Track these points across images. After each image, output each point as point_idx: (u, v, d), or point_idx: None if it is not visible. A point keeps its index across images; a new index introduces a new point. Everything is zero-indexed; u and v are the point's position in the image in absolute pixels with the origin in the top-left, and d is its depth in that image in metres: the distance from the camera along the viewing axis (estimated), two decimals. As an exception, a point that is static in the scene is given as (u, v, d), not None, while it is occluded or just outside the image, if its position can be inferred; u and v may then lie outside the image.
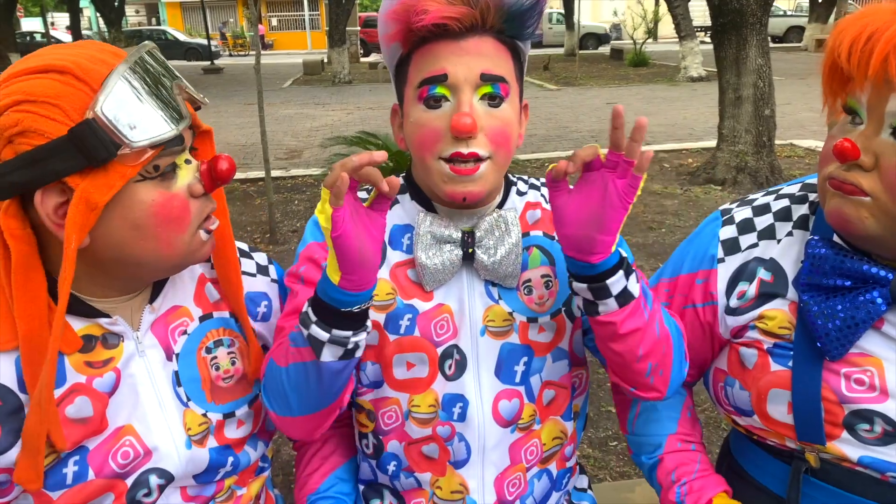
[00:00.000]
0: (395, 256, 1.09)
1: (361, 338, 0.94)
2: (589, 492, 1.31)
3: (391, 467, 1.15)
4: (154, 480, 0.95)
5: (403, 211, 1.12)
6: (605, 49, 27.53)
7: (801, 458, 1.01)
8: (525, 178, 1.20)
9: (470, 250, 1.05)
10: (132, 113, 0.80)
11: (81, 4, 19.26)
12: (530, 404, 1.11)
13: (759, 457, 1.10)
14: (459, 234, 1.05)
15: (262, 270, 1.14)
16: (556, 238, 1.08)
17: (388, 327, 1.08)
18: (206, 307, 1.05)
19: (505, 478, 1.12)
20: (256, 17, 5.99)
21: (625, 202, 0.89)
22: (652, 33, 21.95)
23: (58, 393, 0.88)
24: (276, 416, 1.02)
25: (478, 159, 0.97)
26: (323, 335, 0.92)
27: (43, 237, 0.87)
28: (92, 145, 0.79)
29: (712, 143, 7.30)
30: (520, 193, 1.15)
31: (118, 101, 0.80)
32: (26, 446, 0.83)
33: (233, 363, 1.05)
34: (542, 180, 1.17)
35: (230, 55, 33.41)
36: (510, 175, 1.16)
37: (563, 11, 26.33)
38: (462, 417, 1.09)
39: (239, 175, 7.42)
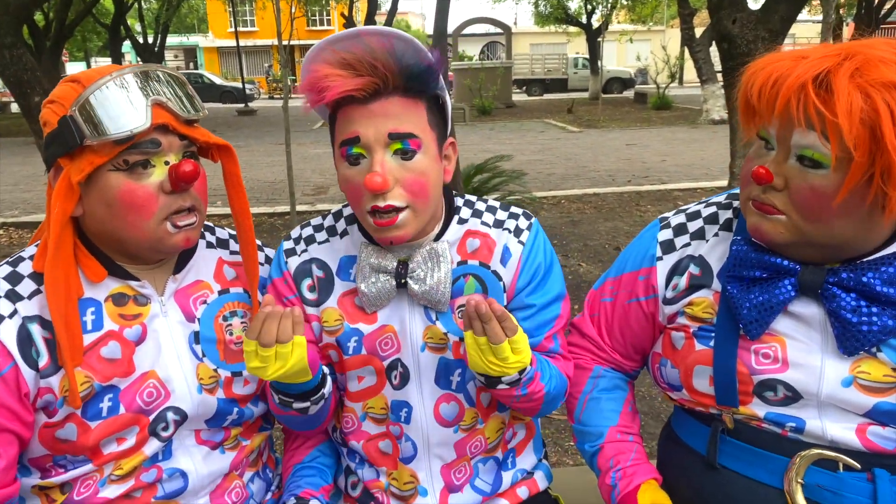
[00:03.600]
0: (341, 286, 1.24)
1: (320, 395, 1.18)
2: (544, 461, 1.44)
3: (356, 459, 1.34)
4: (171, 416, 1.15)
5: (351, 242, 1.26)
6: (629, 93, 27.80)
7: (720, 419, 1.16)
8: (474, 200, 1.29)
9: (403, 280, 1.18)
10: (98, 114, 1.02)
11: (123, 50, 20.10)
12: (471, 408, 1.27)
13: (688, 423, 1.24)
14: (394, 265, 1.18)
15: (269, 261, 1.35)
16: (490, 268, 1.23)
17: (342, 348, 1.24)
18: (224, 284, 1.25)
19: (451, 468, 1.29)
20: (285, 60, 6.35)
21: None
22: (676, 77, 22.19)
23: (95, 336, 1.10)
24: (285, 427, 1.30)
25: (395, 209, 1.10)
26: (288, 401, 1.17)
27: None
28: (66, 135, 1.03)
29: (725, 183, 7.45)
30: (461, 222, 1.25)
31: (91, 104, 1.02)
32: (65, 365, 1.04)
33: (244, 331, 1.24)
34: (490, 203, 1.30)
35: (270, 97, 34.42)
36: (458, 199, 1.28)
37: (588, 56, 26.76)
38: (408, 420, 1.26)
39: (267, 209, 7.75)
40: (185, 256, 1.22)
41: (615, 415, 1.31)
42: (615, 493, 1.22)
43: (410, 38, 1.06)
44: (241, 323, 1.26)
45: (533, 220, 1.30)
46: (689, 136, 13.66)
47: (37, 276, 1.09)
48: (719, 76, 15.88)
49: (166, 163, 1.09)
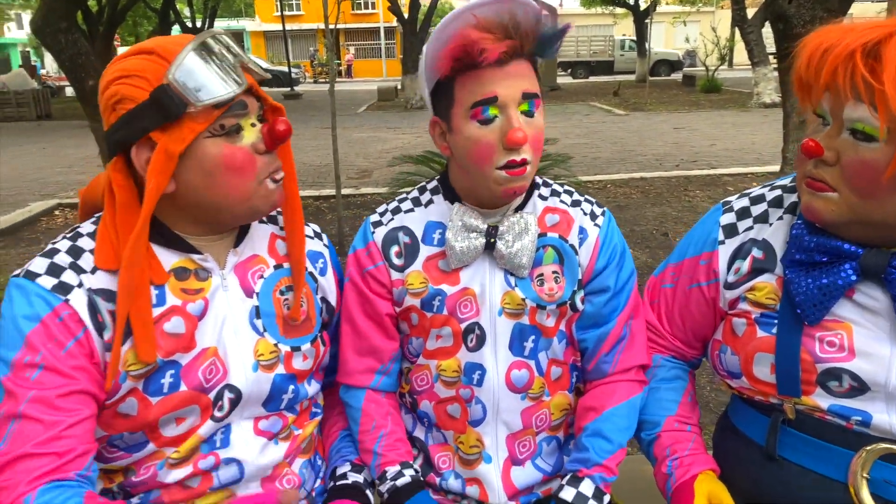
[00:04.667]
0: (426, 251, 1.29)
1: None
2: None
3: (425, 424, 1.37)
4: (226, 395, 1.16)
5: (436, 210, 1.32)
6: (677, 76, 27.25)
7: (780, 410, 1.14)
8: (550, 181, 1.36)
9: (492, 240, 1.24)
10: (197, 79, 1.02)
11: (172, 34, 20.41)
12: (539, 377, 1.30)
13: (747, 413, 1.22)
14: (485, 226, 1.24)
15: (318, 236, 1.37)
16: (569, 242, 1.29)
17: (424, 308, 1.29)
18: (278, 259, 1.25)
19: (516, 438, 1.31)
20: (332, 44, 6.38)
21: None
22: (726, 59, 21.65)
23: (158, 311, 1.09)
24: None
25: (526, 162, 1.16)
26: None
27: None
28: (167, 104, 1.01)
29: (777, 168, 7.26)
30: (542, 198, 1.32)
31: (186, 71, 1.02)
32: (120, 327, 1.04)
33: (300, 306, 1.25)
34: (567, 187, 1.36)
35: (315, 82, 34.71)
36: (537, 178, 1.33)
37: (635, 38, 26.28)
38: (480, 383, 1.28)
39: (312, 192, 7.82)
40: (242, 230, 1.23)
41: (674, 405, 1.31)
42: (671, 482, 1.22)
43: (546, 4, 1.13)
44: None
45: (606, 209, 1.35)
46: (740, 119, 13.34)
47: None
48: (771, 58, 15.53)
49: (252, 124, 1.11)
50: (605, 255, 1.29)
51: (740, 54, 24.52)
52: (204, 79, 1.03)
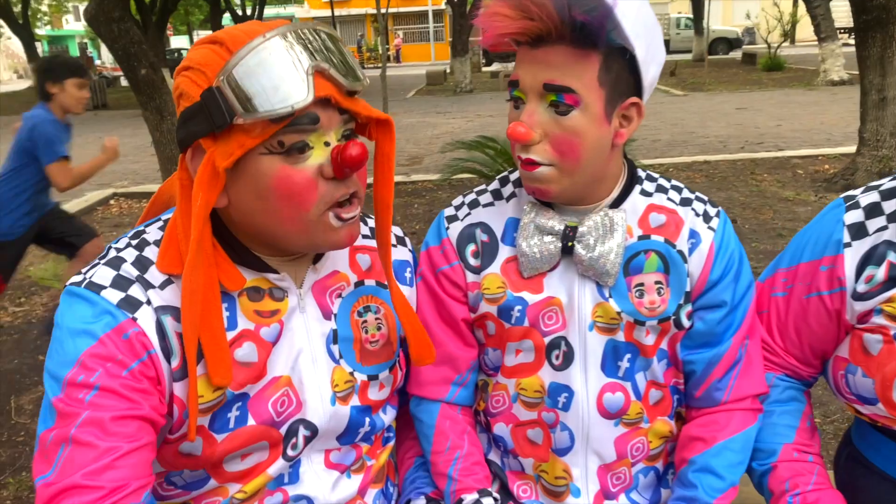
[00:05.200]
0: (506, 252, 1.14)
1: None
2: None
3: (500, 448, 1.21)
4: (301, 431, 1.01)
5: (518, 205, 1.16)
6: (736, 54, 26.40)
7: None
8: (656, 175, 1.18)
9: (570, 244, 1.08)
10: (253, 85, 0.83)
11: (223, 22, 20.60)
12: (636, 401, 1.13)
13: (880, 444, 1.07)
14: (562, 227, 1.08)
15: (401, 241, 1.21)
16: (677, 248, 1.10)
17: (502, 317, 1.12)
18: (360, 274, 1.10)
19: (609, 470, 1.15)
20: (383, 27, 6.22)
21: None
22: (788, 36, 20.82)
23: (229, 336, 0.95)
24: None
25: (533, 163, 1.01)
26: None
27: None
28: (212, 111, 0.85)
29: (852, 149, 6.86)
30: (644, 194, 1.14)
31: (244, 72, 0.83)
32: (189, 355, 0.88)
33: (379, 328, 1.10)
34: (675, 183, 1.18)
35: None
36: (640, 171, 1.16)
37: (691, 16, 25.49)
38: (566, 407, 1.12)
39: (363, 180, 7.70)
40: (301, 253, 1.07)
41: (791, 431, 1.14)
42: None
43: None
44: (376, 319, 1.10)
45: (720, 208, 1.15)
46: (806, 98, 12.76)
47: None
48: (840, 33, 14.84)
49: (326, 143, 0.91)
50: (720, 264, 1.10)
51: (802, 30, 23.60)
52: (262, 84, 0.84)
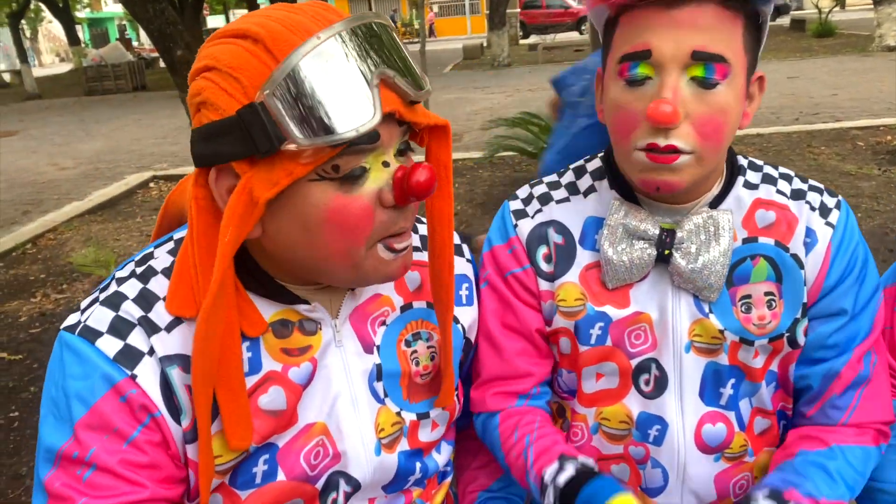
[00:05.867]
0: (585, 257, 0.98)
1: None
2: None
3: None
4: (342, 487, 0.87)
5: (599, 201, 1.00)
6: (783, 20, 25.46)
7: None
8: (760, 163, 1.00)
9: (667, 252, 0.91)
10: (308, 103, 0.67)
11: (259, 1, 20.50)
12: (741, 433, 0.98)
13: None
14: (657, 231, 0.91)
15: (458, 250, 1.02)
16: (790, 251, 0.92)
17: (579, 336, 0.97)
18: (407, 296, 0.94)
19: None
20: (421, 1, 6.02)
21: None
22: (839, 0, 19.96)
23: (252, 381, 0.81)
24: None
25: (677, 151, 0.84)
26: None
27: None
28: (256, 133, 0.68)
29: (918, 118, 6.48)
30: (749, 186, 0.97)
31: (296, 86, 0.67)
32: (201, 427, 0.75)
33: (431, 358, 0.94)
34: (783, 170, 1.00)
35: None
36: (741, 158, 0.98)
37: (736, -18, 24.59)
38: (659, 441, 0.97)
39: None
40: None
41: None
42: None
43: None
44: (428, 349, 0.94)
45: (840, 197, 0.96)
46: (862, 65, 12.16)
47: None
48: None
49: (384, 163, 0.75)
50: (839, 265, 0.94)
51: (855, -6, 22.63)
52: (318, 102, 0.68)
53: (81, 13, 35.60)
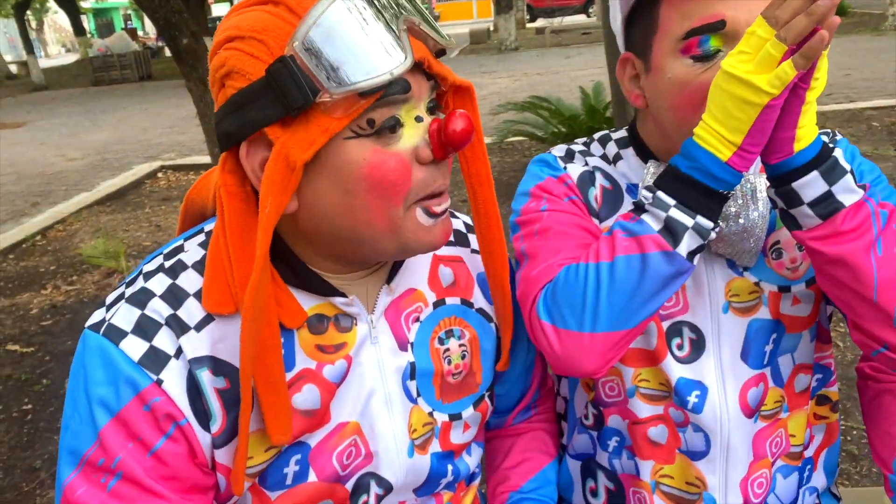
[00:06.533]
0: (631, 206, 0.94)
1: (713, 237, 0.81)
2: (835, 492, 1.11)
3: (612, 443, 1.02)
4: (373, 489, 0.84)
5: (628, 168, 0.98)
6: (793, 0, 25.17)
7: None
8: None
9: None
10: (338, 50, 0.66)
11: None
12: (776, 388, 0.97)
13: None
14: None
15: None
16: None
17: None
18: (440, 292, 0.91)
19: (750, 476, 0.97)
20: (428, -16, 5.94)
21: (798, 91, 0.74)
22: (851, -22, 19.68)
23: (286, 378, 0.77)
24: (560, 335, 0.83)
25: None
26: (687, 220, 0.78)
27: None
28: (287, 89, 0.66)
29: (934, 98, 6.37)
30: None
31: (323, 35, 0.66)
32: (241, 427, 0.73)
33: (463, 357, 0.91)
34: None
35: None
36: None
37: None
38: (699, 408, 0.94)
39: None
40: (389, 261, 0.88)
41: None
42: None
43: None
44: (460, 346, 0.91)
45: (833, 131, 0.98)
46: (875, 44, 11.99)
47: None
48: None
49: (417, 118, 0.73)
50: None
51: (866, -29, 22.33)
52: (349, 48, 0.66)
53: (86, 3, 35.58)
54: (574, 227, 0.93)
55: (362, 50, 0.66)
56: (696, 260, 0.81)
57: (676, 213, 0.78)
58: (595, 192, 0.98)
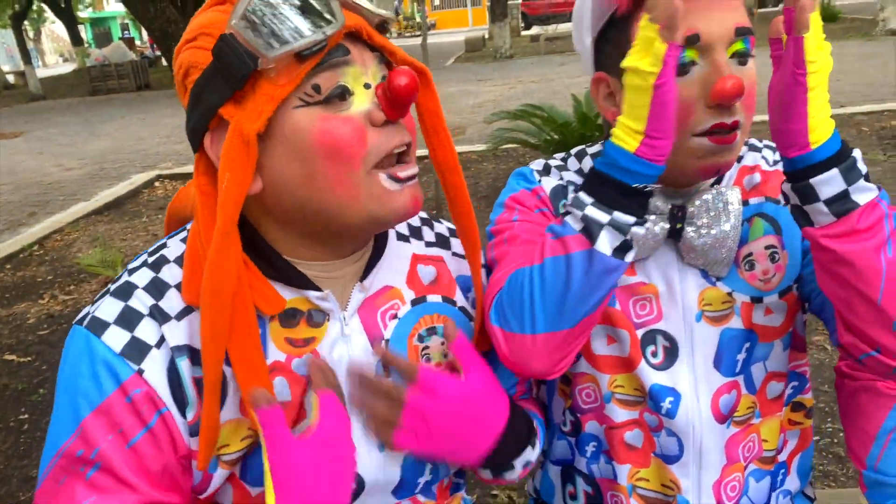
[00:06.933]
0: None
1: (641, 233, 0.81)
2: (807, 495, 1.14)
3: (590, 448, 1.05)
4: None
5: None
6: (787, 5, 25.28)
7: None
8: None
9: (679, 225, 0.92)
10: (273, 19, 0.71)
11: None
12: (749, 395, 1.00)
13: None
14: (668, 206, 0.92)
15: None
16: (782, 202, 0.92)
17: None
18: (420, 290, 0.93)
19: (723, 480, 1.01)
20: (421, -6, 6.00)
21: (797, 77, 0.76)
22: (843, -16, 19.80)
23: None
24: (507, 337, 0.86)
25: (737, 126, 0.85)
26: (602, 217, 0.80)
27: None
28: (229, 61, 0.71)
29: (922, 103, 6.43)
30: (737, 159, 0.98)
31: (258, 8, 0.71)
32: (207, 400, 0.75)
33: (445, 356, 0.93)
34: (767, 142, 1.02)
35: (399, 35, 34.27)
36: None
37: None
38: (672, 413, 0.97)
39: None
40: (375, 252, 0.90)
41: None
42: None
43: None
44: (442, 344, 0.93)
45: None
46: (865, 50, 12.08)
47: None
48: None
49: (366, 85, 0.77)
50: None
51: (859, -23, 22.43)
52: (282, 16, 0.71)
53: (83, 13, 35.66)
54: (540, 237, 0.95)
55: (295, 15, 0.71)
56: (629, 256, 0.82)
57: (592, 211, 0.80)
58: (565, 203, 1.00)
